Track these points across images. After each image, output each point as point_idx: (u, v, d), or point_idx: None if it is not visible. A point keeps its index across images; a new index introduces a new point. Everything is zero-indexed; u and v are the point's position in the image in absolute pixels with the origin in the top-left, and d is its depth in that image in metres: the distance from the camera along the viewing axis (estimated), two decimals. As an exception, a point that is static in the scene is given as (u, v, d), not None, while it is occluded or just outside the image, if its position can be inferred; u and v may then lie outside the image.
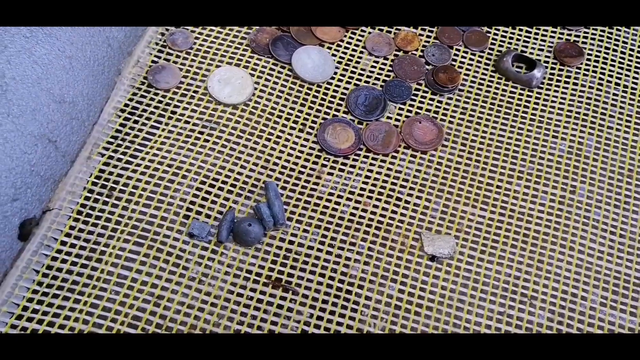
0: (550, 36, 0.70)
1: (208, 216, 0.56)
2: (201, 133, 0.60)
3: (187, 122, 0.61)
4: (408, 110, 0.63)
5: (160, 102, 0.62)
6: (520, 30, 0.70)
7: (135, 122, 0.60)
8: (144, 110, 0.61)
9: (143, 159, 0.58)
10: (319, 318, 0.52)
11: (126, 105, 0.61)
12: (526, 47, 0.69)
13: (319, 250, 0.55)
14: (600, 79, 0.67)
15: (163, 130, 0.60)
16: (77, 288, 0.52)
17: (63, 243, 0.54)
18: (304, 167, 0.59)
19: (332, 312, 0.52)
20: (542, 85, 0.66)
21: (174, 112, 0.61)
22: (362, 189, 0.59)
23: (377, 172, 0.60)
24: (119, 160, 0.58)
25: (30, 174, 0.52)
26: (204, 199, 0.57)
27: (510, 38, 0.69)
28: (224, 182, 0.58)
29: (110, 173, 0.57)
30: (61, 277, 0.52)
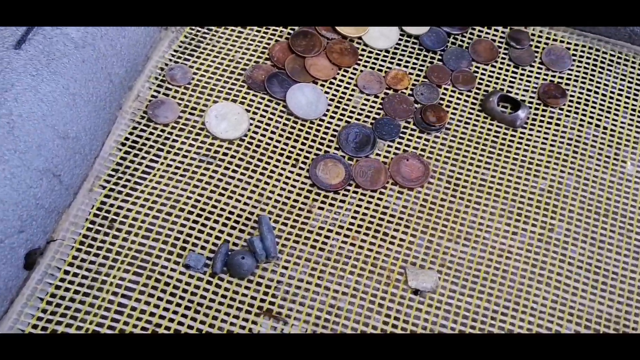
0: (535, 77, 0.77)
1: (203, 248, 0.62)
2: (198, 167, 0.67)
3: (184, 157, 0.67)
4: (396, 148, 0.70)
5: (159, 136, 0.68)
6: (507, 70, 0.77)
7: (135, 155, 0.67)
8: (144, 144, 0.67)
9: (142, 191, 0.65)
10: (307, 348, 0.59)
11: (127, 139, 0.67)
12: (512, 87, 0.75)
13: (309, 282, 0.62)
14: (581, 119, 0.74)
15: (162, 163, 0.66)
16: (79, 315, 0.58)
17: (66, 272, 0.60)
18: (296, 201, 0.66)
19: (319, 343, 0.59)
20: (525, 125, 0.73)
21: (172, 147, 0.68)
22: (350, 223, 0.65)
23: (366, 208, 0.66)
24: (120, 192, 0.64)
25: (35, 207, 0.58)
26: (199, 231, 0.63)
27: (497, 78, 0.76)
28: (219, 215, 0.64)
29: (111, 205, 0.64)
30: (64, 304, 0.58)
